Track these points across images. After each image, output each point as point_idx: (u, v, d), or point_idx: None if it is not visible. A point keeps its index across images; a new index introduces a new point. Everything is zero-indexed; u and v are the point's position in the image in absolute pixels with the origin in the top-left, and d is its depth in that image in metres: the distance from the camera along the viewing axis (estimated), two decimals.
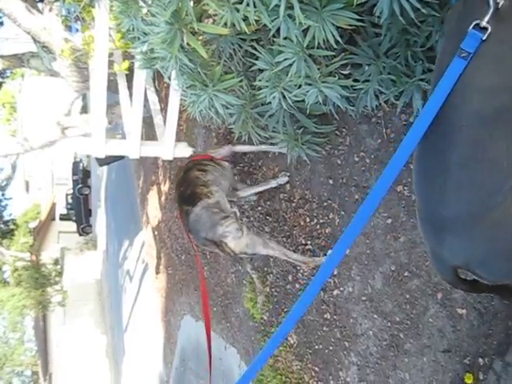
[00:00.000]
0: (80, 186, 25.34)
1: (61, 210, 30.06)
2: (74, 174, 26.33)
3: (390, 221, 2.81)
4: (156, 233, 8.13)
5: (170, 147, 3.87)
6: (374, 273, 2.93)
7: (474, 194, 1.39)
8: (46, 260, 24.09)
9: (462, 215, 1.42)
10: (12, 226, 27.65)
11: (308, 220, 3.53)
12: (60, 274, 22.87)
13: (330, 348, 3.32)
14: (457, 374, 2.37)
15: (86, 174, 26.17)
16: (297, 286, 3.65)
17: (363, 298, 3.01)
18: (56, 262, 23.55)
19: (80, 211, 25.53)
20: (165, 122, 3.84)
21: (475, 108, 1.34)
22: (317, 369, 3.45)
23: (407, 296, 2.68)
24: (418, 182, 1.55)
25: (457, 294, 2.38)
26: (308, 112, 2.60)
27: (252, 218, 4.26)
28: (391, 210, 2.80)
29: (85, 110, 15.42)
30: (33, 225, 28.94)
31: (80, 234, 25.97)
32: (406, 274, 2.69)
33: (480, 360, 2.26)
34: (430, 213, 1.51)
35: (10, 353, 28.35)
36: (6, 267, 25.70)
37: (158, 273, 8.26)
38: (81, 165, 26.80)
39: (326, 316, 3.35)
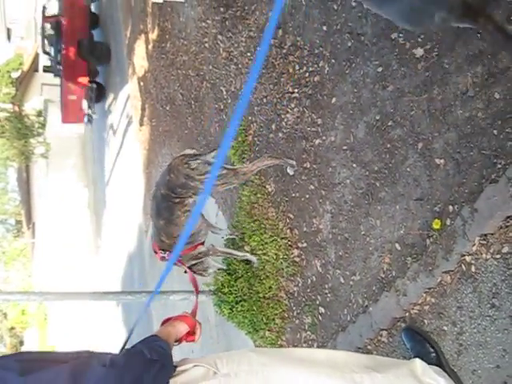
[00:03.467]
0: None
1: (44, 61, 29.05)
2: None
3: (380, 69, 2.72)
4: (142, 84, 7.95)
5: None
6: (357, 122, 2.90)
7: None
8: (28, 111, 23.67)
9: None
10: None
11: (297, 68, 3.43)
12: (43, 126, 22.62)
13: (307, 196, 3.38)
14: (425, 221, 2.44)
15: None
16: (280, 134, 3.63)
17: (344, 148, 3.01)
18: (39, 114, 23.19)
19: None
20: None
21: None
22: (291, 216, 3.54)
23: (388, 145, 2.68)
24: None
25: (437, 144, 2.37)
26: None
27: (240, 65, 4.13)
28: (383, 58, 2.70)
29: None
30: (15, 75, 28.07)
31: None
32: (389, 123, 2.66)
33: (450, 207, 2.30)
34: None
35: None
36: None
37: (141, 125, 8.21)
38: None
39: (305, 165, 3.37)
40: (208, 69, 4.84)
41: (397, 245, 2.61)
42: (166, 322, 2.00)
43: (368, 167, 2.82)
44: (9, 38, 37.63)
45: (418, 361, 2.22)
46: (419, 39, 2.44)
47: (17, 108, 23.32)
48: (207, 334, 5.30)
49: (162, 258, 3.39)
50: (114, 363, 1.48)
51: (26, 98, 26.21)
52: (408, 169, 2.55)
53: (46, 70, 26.25)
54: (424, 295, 2.42)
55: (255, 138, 3.95)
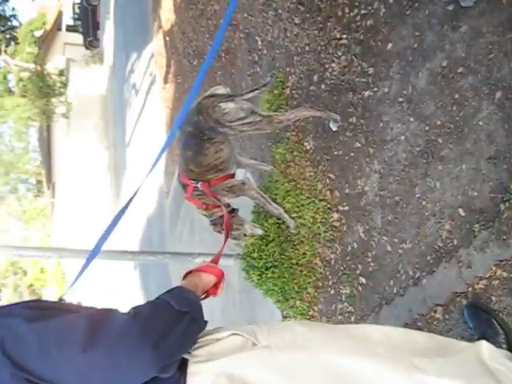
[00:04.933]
0: None
1: (67, 20, 28.70)
2: None
3: (451, 7, 2.35)
4: (168, 39, 7.58)
5: None
6: (418, 70, 2.54)
7: None
8: (51, 70, 23.42)
9: None
10: (15, 33, 26.58)
11: (347, 10, 3.05)
12: (65, 85, 22.40)
13: (351, 155, 3.05)
14: (500, 183, 2.10)
15: None
16: (322, 86, 3.28)
17: (400, 100, 2.66)
18: (61, 73, 22.92)
19: (88, 23, 24.35)
20: None
21: None
22: (332, 176, 3.21)
23: (456, 96, 2.32)
24: None
25: None
26: None
27: (280, 10, 3.76)
28: None
29: None
30: (38, 34, 27.79)
31: (86, 48, 25.07)
32: (460, 70, 2.30)
33: None
34: None
35: (15, 161, 29.07)
36: (11, 76, 25.23)
37: (166, 82, 7.88)
38: None
39: (351, 120, 3.03)
40: (242, 17, 4.47)
41: (460, 210, 2.28)
42: (188, 274, 1.72)
43: (429, 121, 2.47)
44: None
45: (484, 343, 1.89)
46: None
47: (39, 67, 23.09)
48: (230, 300, 5.05)
49: (195, 189, 3.12)
50: (138, 313, 1.28)
51: (49, 57, 25.99)
52: (480, 122, 2.20)
53: (70, 29, 25.94)
54: (494, 268, 2.10)
55: (293, 91, 3.60)
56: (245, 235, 3.56)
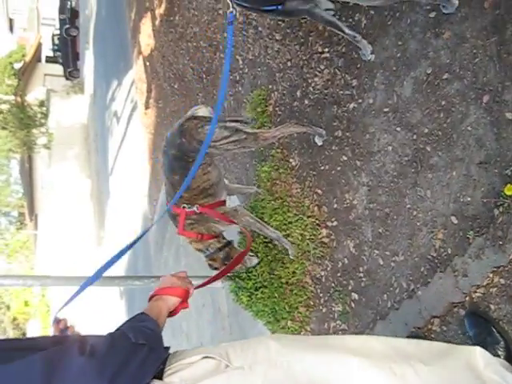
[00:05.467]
0: (67, 26, 23.94)
1: (47, 51, 28.72)
2: (60, 13, 24.75)
3: (433, 14, 2.34)
4: (148, 64, 7.56)
5: None
6: (403, 79, 2.51)
7: None
8: (31, 101, 23.36)
9: None
10: None
11: None
12: (46, 116, 22.33)
13: (338, 169, 3.00)
14: (492, 188, 2.06)
15: (74, 13, 24.58)
16: (306, 101, 3.24)
17: (385, 110, 2.62)
18: (42, 104, 22.88)
19: (67, 54, 24.40)
20: None
21: None
22: (320, 191, 3.16)
23: (443, 103, 2.29)
24: None
25: (509, 96, 1.99)
26: None
27: (260, 27, 3.74)
28: (436, 1, 2.31)
29: None
30: (17, 66, 27.75)
31: (67, 78, 25.07)
32: (445, 76, 2.27)
33: None
34: None
35: None
36: None
37: (147, 108, 7.84)
38: (68, 3, 25.10)
39: (336, 134, 2.99)
40: (222, 37, 4.45)
41: (453, 218, 2.23)
42: (154, 296, 1.73)
43: (416, 130, 2.44)
44: (11, 29, 37.32)
45: (479, 350, 1.80)
46: None
47: (19, 98, 22.99)
48: (219, 325, 4.93)
49: (186, 216, 3.03)
50: (95, 351, 1.27)
51: (29, 88, 25.90)
52: (469, 128, 2.16)
53: (49, 60, 25.93)
54: (491, 275, 2.04)
55: (276, 108, 3.57)
56: (245, 267, 3.45)
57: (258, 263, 3.51)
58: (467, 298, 2.15)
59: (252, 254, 3.53)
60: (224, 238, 3.31)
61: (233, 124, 2.82)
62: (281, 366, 1.47)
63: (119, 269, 11.53)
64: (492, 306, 2.04)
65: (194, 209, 2.99)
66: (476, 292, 2.11)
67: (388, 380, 1.50)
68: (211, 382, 1.41)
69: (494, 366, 1.77)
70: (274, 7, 2.43)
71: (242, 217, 3.21)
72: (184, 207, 3.00)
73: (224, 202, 3.21)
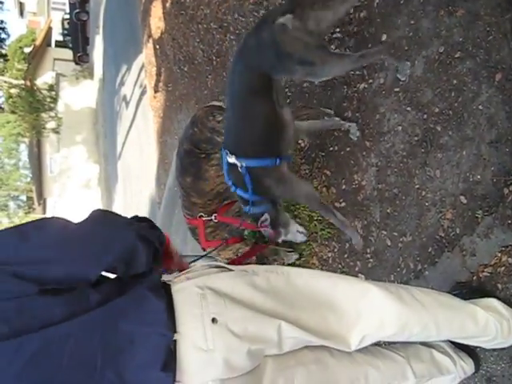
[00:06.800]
0: (78, 10, 23.84)
1: (57, 36, 28.72)
2: None
3: None
4: (158, 47, 7.54)
5: None
6: (414, 58, 2.49)
7: None
8: (40, 86, 23.40)
9: None
10: (4, 51, 26.60)
11: None
12: (55, 100, 22.40)
13: (347, 149, 2.99)
14: (502, 167, 2.05)
15: None
16: (316, 82, 3.22)
17: (396, 90, 2.61)
18: (51, 88, 22.93)
19: (77, 38, 24.32)
20: None
21: None
22: (328, 172, 3.15)
23: (454, 82, 2.27)
24: None
25: None
26: None
27: (271, 8, 3.72)
28: None
29: None
30: (27, 50, 27.79)
31: (76, 63, 25.03)
32: (457, 55, 2.25)
33: None
34: None
35: (5, 178, 28.87)
36: (0, 93, 25.15)
37: (156, 91, 7.82)
38: None
39: (346, 114, 2.97)
40: (233, 18, 4.43)
41: (462, 197, 2.22)
42: None
43: (426, 109, 2.42)
44: (21, 13, 37.33)
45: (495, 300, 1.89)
46: None
47: (29, 83, 23.05)
48: None
49: (205, 226, 2.91)
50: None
51: (39, 72, 25.91)
52: (480, 106, 2.15)
53: (59, 44, 25.96)
54: (499, 254, 2.03)
55: (286, 89, 3.55)
56: (284, 264, 3.28)
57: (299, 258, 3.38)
58: (475, 278, 2.15)
59: (291, 249, 3.39)
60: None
61: None
62: (282, 275, 1.50)
63: None
64: (499, 286, 2.04)
65: (212, 218, 2.89)
66: (483, 271, 2.10)
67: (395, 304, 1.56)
68: (218, 276, 1.44)
69: None
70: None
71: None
72: (201, 216, 2.91)
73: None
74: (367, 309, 1.53)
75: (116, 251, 1.22)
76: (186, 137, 2.87)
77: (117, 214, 1.36)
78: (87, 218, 1.28)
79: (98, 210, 1.34)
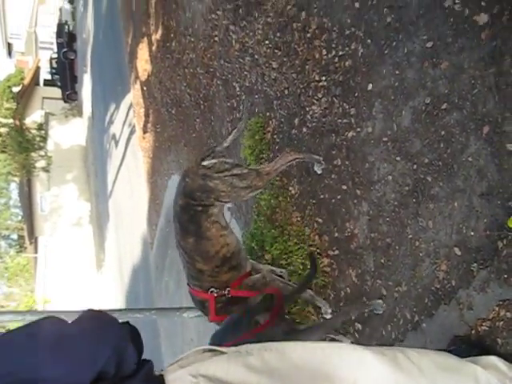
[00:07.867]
0: (65, 50, 24.14)
1: (45, 75, 28.91)
2: (58, 36, 24.99)
3: (430, 44, 2.33)
4: (145, 88, 7.59)
5: None
6: (401, 108, 2.50)
7: None
8: (30, 125, 23.45)
9: None
10: None
11: (324, 53, 3.04)
12: (44, 139, 22.42)
13: (338, 197, 2.98)
14: (495, 220, 2.03)
15: (72, 37, 24.82)
16: (304, 129, 3.23)
17: (385, 139, 2.61)
18: (40, 127, 22.97)
19: (65, 77, 24.56)
20: None
21: None
22: (320, 220, 3.13)
23: (442, 133, 2.27)
24: None
25: (509, 127, 1.97)
26: None
27: (257, 56, 3.74)
28: (433, 31, 2.31)
29: None
30: (16, 89, 27.91)
31: (65, 101, 25.18)
32: (444, 106, 2.26)
33: None
34: None
35: None
36: None
37: (145, 132, 7.84)
38: (66, 27, 25.36)
39: (335, 162, 2.97)
40: (219, 64, 4.46)
41: (456, 249, 2.20)
42: None
43: (416, 160, 2.42)
44: (10, 53, 37.60)
45: (495, 357, 1.81)
46: (482, 2, 2.05)
47: (18, 122, 23.09)
48: None
49: (216, 300, 2.64)
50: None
51: (28, 111, 26.00)
52: (470, 158, 2.14)
53: (48, 83, 26.09)
54: (497, 308, 2.00)
55: (275, 136, 3.56)
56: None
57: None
58: (473, 332, 2.11)
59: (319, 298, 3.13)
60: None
61: (231, 160, 2.76)
62: (275, 350, 1.47)
63: (119, 293, 11.46)
64: (499, 341, 2.00)
65: (225, 293, 2.64)
66: (482, 325, 2.07)
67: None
68: (212, 362, 1.40)
69: None
70: None
71: (273, 282, 2.89)
72: (212, 292, 2.65)
73: (250, 272, 2.87)
74: (363, 378, 1.50)
75: (108, 352, 1.19)
76: (178, 192, 2.74)
77: (107, 314, 1.34)
78: (80, 320, 1.26)
79: (90, 310, 1.34)
